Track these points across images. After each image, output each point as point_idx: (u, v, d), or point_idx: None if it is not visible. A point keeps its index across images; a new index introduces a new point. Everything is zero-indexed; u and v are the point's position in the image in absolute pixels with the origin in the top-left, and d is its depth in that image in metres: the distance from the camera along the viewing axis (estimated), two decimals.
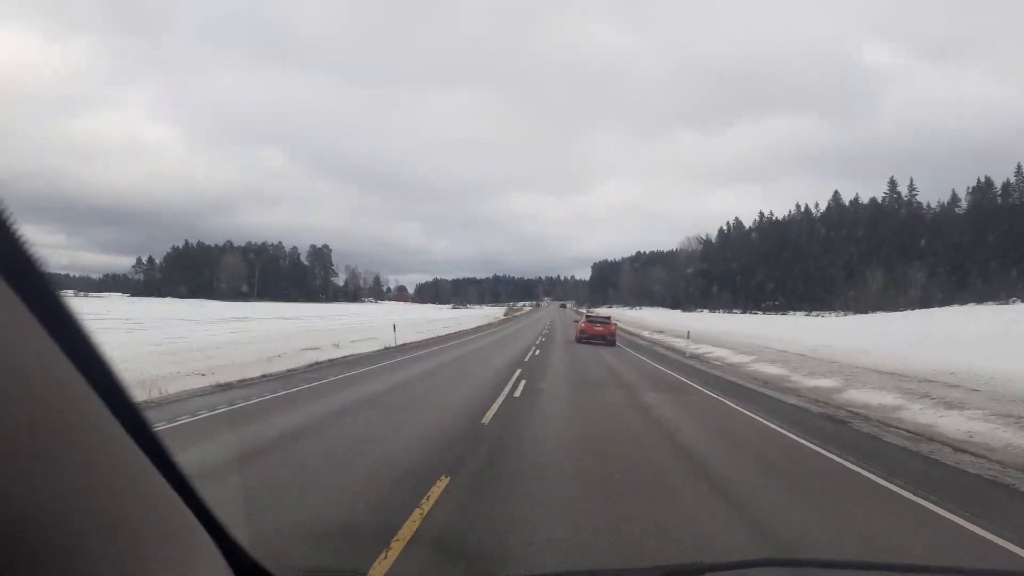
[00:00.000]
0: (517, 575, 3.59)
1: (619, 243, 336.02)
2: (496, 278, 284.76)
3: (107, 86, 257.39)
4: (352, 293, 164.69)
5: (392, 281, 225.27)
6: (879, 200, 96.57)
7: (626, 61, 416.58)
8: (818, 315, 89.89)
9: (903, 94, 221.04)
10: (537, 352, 22.70)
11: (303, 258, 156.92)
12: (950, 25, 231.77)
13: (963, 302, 68.19)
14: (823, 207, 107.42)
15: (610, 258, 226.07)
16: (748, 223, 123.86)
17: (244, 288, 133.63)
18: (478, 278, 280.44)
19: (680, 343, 29.97)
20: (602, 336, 28.85)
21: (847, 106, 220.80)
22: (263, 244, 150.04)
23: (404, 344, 24.08)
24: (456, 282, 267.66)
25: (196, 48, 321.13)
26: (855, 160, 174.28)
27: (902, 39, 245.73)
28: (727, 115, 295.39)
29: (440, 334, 32.54)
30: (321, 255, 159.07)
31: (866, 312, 79.29)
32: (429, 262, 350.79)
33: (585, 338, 28.85)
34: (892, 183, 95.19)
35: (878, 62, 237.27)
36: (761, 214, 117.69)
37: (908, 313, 64.16)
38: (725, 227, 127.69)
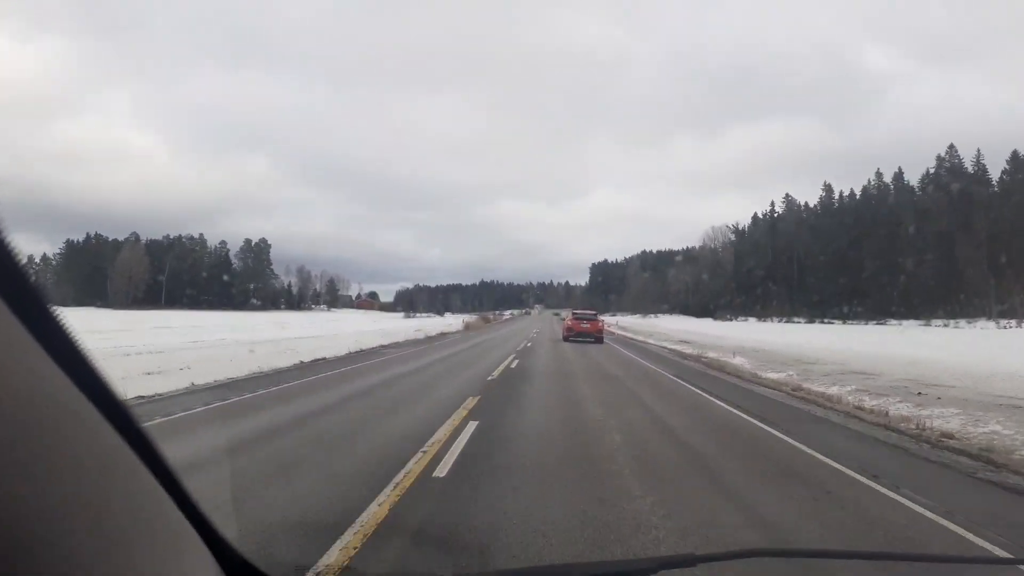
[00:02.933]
0: (511, 569, 3.39)
1: (615, 248, 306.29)
2: (483, 284, 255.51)
3: (76, 90, 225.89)
4: (297, 299, 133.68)
5: (376, 289, 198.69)
6: None
7: (620, 64, 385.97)
8: (948, 324, 60.24)
9: (915, 94, 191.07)
10: None
11: (232, 256, 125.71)
12: (956, 26, 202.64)
13: None
14: (911, 178, 78.22)
15: (611, 259, 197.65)
16: (782, 217, 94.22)
17: (143, 293, 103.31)
18: (463, 284, 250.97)
19: None
20: (589, 333, 29.03)
21: (849, 109, 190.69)
22: (177, 237, 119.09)
23: None
24: (438, 289, 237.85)
25: (173, 50, 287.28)
26: (859, 164, 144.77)
27: (908, 41, 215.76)
28: (725, 118, 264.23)
29: None
30: (257, 252, 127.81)
31: None
32: (418, 269, 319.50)
33: (572, 335, 29.04)
34: None
35: (880, 64, 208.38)
36: (827, 186, 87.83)
37: None
38: (772, 210, 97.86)
